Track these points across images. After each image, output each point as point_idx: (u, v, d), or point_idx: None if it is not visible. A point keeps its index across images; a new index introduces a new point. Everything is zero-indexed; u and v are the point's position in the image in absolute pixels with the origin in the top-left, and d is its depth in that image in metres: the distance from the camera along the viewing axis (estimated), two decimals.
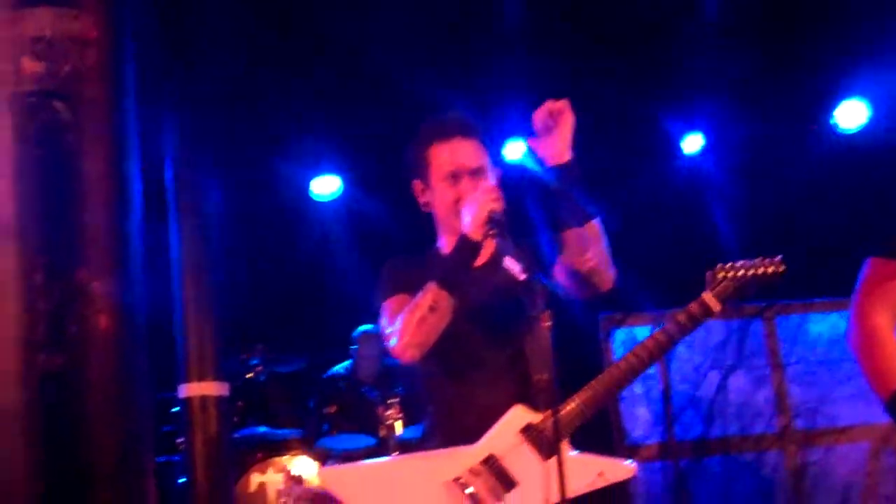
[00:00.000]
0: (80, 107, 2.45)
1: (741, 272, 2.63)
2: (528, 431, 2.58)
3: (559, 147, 2.66)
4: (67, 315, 2.35)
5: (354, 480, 2.61)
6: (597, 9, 6.03)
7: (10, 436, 2.30)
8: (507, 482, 2.54)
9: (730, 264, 2.65)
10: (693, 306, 2.64)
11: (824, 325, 6.51)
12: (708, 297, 2.62)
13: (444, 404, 2.74)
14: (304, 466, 5.34)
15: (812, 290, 6.46)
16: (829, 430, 6.31)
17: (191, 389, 4.69)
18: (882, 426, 6.04)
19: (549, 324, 2.32)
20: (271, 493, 5.26)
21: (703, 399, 6.35)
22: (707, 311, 2.63)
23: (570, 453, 2.55)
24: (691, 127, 6.93)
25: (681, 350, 6.39)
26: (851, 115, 6.80)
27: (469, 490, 2.53)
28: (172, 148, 5.02)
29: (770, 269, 2.62)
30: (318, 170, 6.69)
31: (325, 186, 6.71)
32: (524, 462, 2.55)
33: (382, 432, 5.56)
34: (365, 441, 5.68)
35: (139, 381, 2.49)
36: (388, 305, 2.75)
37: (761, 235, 6.48)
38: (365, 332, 6.26)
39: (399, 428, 5.57)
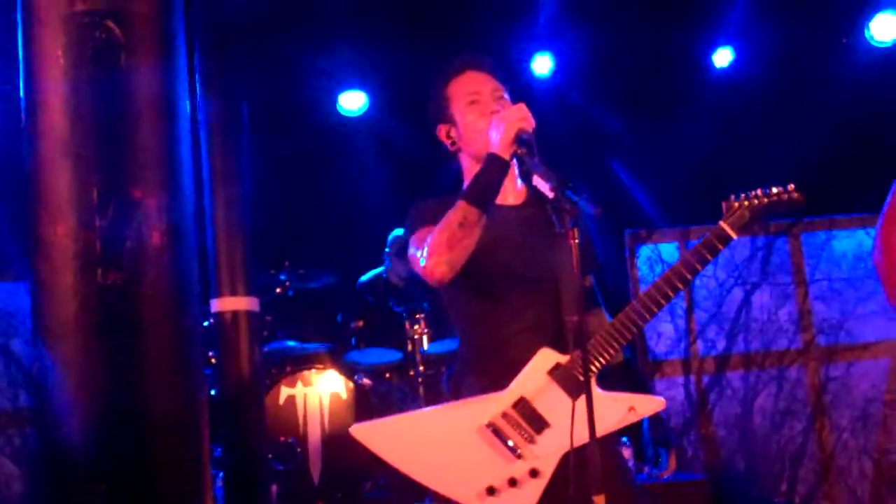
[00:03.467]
0: (131, 26, 2.47)
1: (756, 201, 2.61)
2: (556, 372, 2.61)
3: None
4: (123, 231, 2.39)
5: (388, 434, 2.64)
6: None
7: (68, 349, 2.36)
8: (538, 424, 2.58)
9: (744, 194, 2.63)
10: (710, 237, 2.64)
11: (850, 241, 6.50)
12: (725, 225, 2.61)
13: (476, 326, 2.77)
14: (331, 380, 5.44)
15: (838, 206, 6.44)
16: (851, 347, 6.34)
17: (222, 304, 4.76)
18: None
19: (576, 241, 2.33)
20: (300, 406, 5.36)
21: (727, 315, 6.38)
22: (725, 240, 2.63)
23: (598, 391, 2.57)
24: (721, 41, 6.85)
25: (706, 266, 6.41)
26: (885, 27, 6.69)
27: (501, 434, 2.57)
28: (201, 63, 5.01)
29: (785, 197, 2.61)
30: (345, 85, 6.67)
31: (352, 102, 6.70)
32: (554, 403, 2.58)
33: (409, 347, 5.65)
34: (391, 355, 5.77)
35: (191, 295, 2.55)
36: (416, 236, 2.76)
37: (789, 151, 6.45)
38: (398, 237, 6.31)
39: (425, 342, 5.66)
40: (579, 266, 2.32)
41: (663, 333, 6.29)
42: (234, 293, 4.79)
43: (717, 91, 6.89)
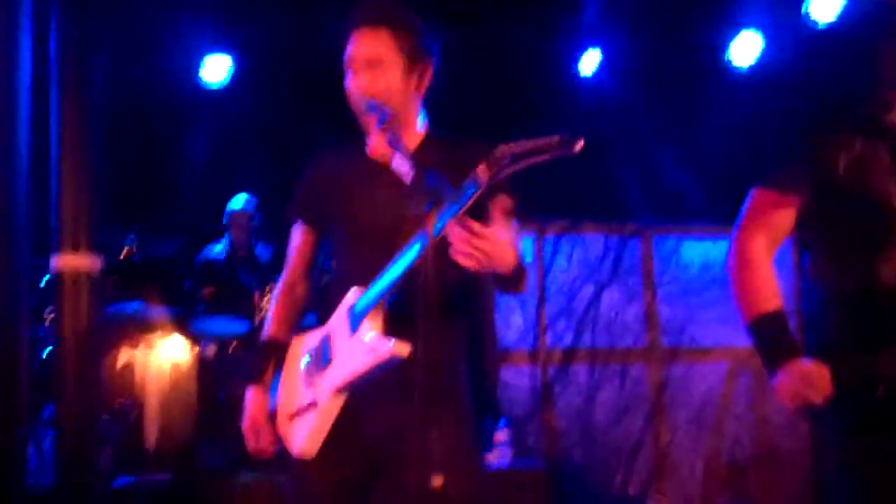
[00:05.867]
0: None
1: (517, 147, 2.33)
2: (350, 309, 2.60)
3: None
4: None
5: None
6: None
7: None
8: (327, 359, 2.62)
9: (513, 142, 2.35)
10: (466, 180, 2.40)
11: (698, 250, 6.69)
12: (481, 168, 2.36)
13: (332, 289, 2.75)
14: (175, 346, 5.30)
15: (691, 215, 6.63)
16: (692, 350, 6.53)
17: (63, 260, 4.57)
18: (741, 349, 6.28)
19: (433, 223, 2.29)
20: (139, 371, 5.22)
21: (576, 311, 6.48)
22: (476, 182, 2.36)
23: (366, 333, 2.50)
24: (587, 45, 6.97)
25: (559, 262, 6.51)
26: (746, 47, 6.92)
27: (309, 364, 2.69)
28: (57, 18, 4.82)
29: (545, 144, 2.30)
30: (207, 49, 6.49)
31: (215, 67, 6.52)
32: (341, 339, 2.60)
33: (257, 318, 5.55)
34: (239, 326, 5.66)
35: (19, 247, 2.41)
36: (292, 232, 2.88)
37: (650, 158, 6.61)
38: (233, 212, 6.21)
39: None
40: (434, 253, 2.28)
41: (513, 324, 6.34)
42: (76, 250, 4.61)
43: (582, 98, 7.02)
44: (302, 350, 2.73)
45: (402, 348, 2.42)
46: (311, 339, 2.71)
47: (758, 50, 6.91)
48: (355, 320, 2.55)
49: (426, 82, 2.78)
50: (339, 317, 2.61)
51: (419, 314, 2.27)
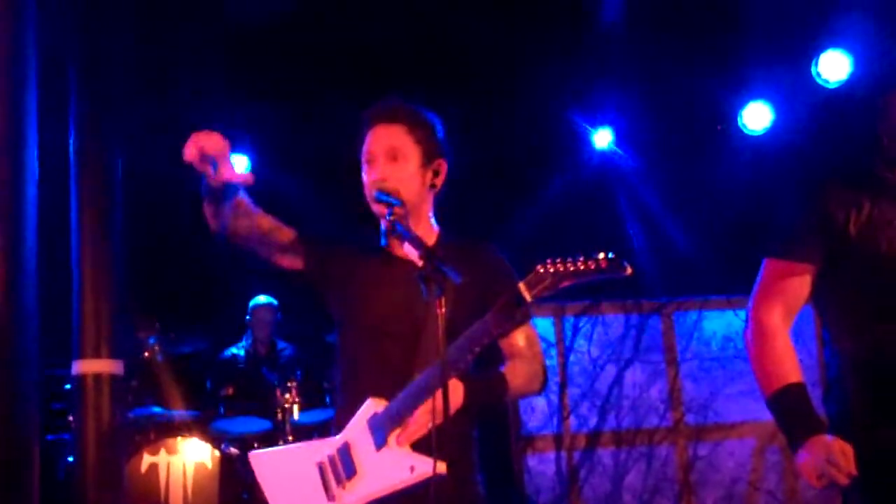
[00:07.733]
0: None
1: (562, 267, 2.38)
2: (372, 421, 2.60)
3: None
4: None
5: (268, 462, 2.78)
6: None
7: None
8: (350, 470, 2.61)
9: (559, 259, 2.40)
10: (504, 299, 2.46)
11: (720, 322, 6.65)
12: (521, 285, 2.41)
13: (344, 388, 2.78)
14: (197, 448, 5.27)
15: (710, 287, 6.60)
16: (719, 426, 6.45)
17: (84, 366, 4.58)
18: (768, 423, 6.14)
19: (443, 310, 2.32)
20: (162, 474, 5.18)
21: (600, 392, 6.43)
22: (519, 300, 2.43)
23: (393, 447, 2.55)
24: (601, 121, 7.02)
25: (580, 343, 6.48)
26: (757, 117, 6.95)
27: (325, 474, 2.65)
28: (76, 116, 4.89)
29: (592, 266, 2.35)
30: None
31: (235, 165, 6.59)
32: (365, 452, 2.60)
33: (279, 416, 5.52)
34: (261, 425, 5.64)
35: (27, 357, 2.42)
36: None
37: (664, 232, 6.61)
38: (257, 306, 6.26)
39: (296, 412, 5.54)
40: (444, 334, 2.32)
41: (536, 408, 6.29)
42: (96, 355, 4.62)
43: (595, 169, 7.04)
44: (310, 457, 2.68)
45: (441, 467, 2.43)
46: (321, 448, 2.68)
47: (768, 118, 6.94)
48: (379, 434, 2.56)
49: (441, 179, 2.79)
50: (359, 428, 2.61)
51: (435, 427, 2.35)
